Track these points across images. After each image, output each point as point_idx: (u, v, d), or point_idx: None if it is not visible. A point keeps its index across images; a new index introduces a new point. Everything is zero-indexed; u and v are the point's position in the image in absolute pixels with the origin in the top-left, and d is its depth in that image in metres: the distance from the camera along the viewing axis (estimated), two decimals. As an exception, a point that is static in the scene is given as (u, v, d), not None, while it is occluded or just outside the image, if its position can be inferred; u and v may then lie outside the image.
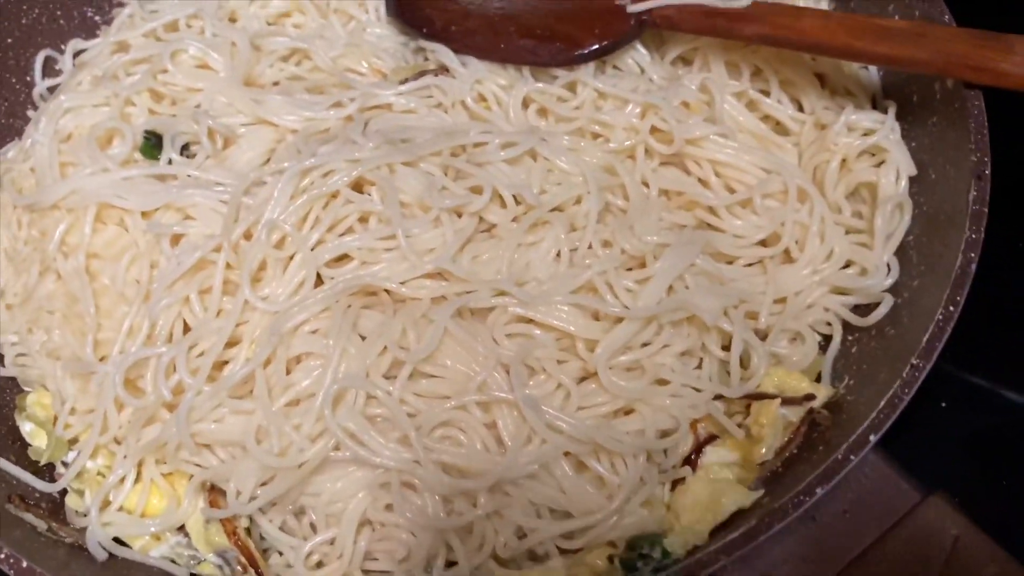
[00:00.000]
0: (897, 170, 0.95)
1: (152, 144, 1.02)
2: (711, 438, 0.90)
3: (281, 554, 0.90)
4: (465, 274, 0.89)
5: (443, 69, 1.06)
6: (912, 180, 0.96)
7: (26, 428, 0.98)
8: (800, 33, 0.95)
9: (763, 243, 0.97)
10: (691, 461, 0.89)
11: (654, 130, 1.00)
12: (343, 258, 0.92)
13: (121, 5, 1.23)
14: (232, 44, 1.08)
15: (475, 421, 0.85)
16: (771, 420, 0.88)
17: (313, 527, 0.89)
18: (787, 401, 0.89)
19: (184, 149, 1.03)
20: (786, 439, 0.89)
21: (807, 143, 1.02)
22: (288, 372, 0.88)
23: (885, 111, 0.99)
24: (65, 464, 0.97)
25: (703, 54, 1.06)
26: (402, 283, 0.89)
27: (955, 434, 1.04)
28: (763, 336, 0.93)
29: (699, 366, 0.91)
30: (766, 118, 1.05)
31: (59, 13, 1.21)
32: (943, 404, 1.05)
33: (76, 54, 1.21)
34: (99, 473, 0.93)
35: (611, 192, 0.97)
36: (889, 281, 0.93)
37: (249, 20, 1.16)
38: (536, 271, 0.91)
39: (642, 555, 0.82)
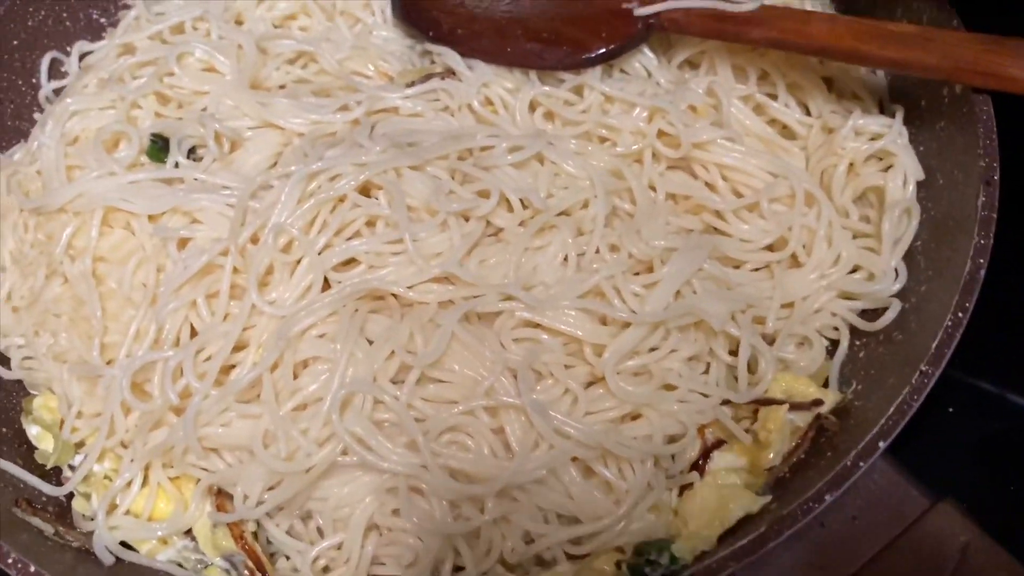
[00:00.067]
0: (905, 174, 0.95)
1: (159, 147, 1.02)
2: (719, 443, 0.90)
3: (288, 558, 0.90)
4: (472, 278, 0.89)
5: (449, 72, 1.06)
6: (920, 185, 0.95)
7: (33, 431, 0.98)
8: (808, 37, 0.94)
9: (770, 247, 0.97)
10: (699, 466, 0.89)
11: (661, 134, 1.00)
12: (350, 262, 0.92)
13: (127, 7, 1.22)
14: (238, 47, 1.08)
15: (482, 426, 0.85)
16: (779, 425, 0.88)
17: (320, 531, 0.89)
18: (795, 406, 0.89)
19: (191, 152, 1.03)
20: (794, 444, 0.88)
21: (814, 147, 1.02)
22: (295, 376, 0.88)
23: (892, 115, 0.99)
24: (72, 468, 0.97)
25: (710, 58, 1.06)
26: (409, 287, 0.89)
27: (964, 440, 1.04)
28: (770, 341, 0.93)
29: (706, 371, 0.91)
30: (773, 122, 1.05)
31: (65, 15, 1.21)
32: (951, 410, 1.05)
33: (82, 56, 1.21)
34: (106, 477, 0.93)
35: (618, 196, 0.97)
36: (897, 286, 0.93)
37: (255, 22, 1.16)
38: (543, 275, 0.91)
39: (650, 561, 0.82)
